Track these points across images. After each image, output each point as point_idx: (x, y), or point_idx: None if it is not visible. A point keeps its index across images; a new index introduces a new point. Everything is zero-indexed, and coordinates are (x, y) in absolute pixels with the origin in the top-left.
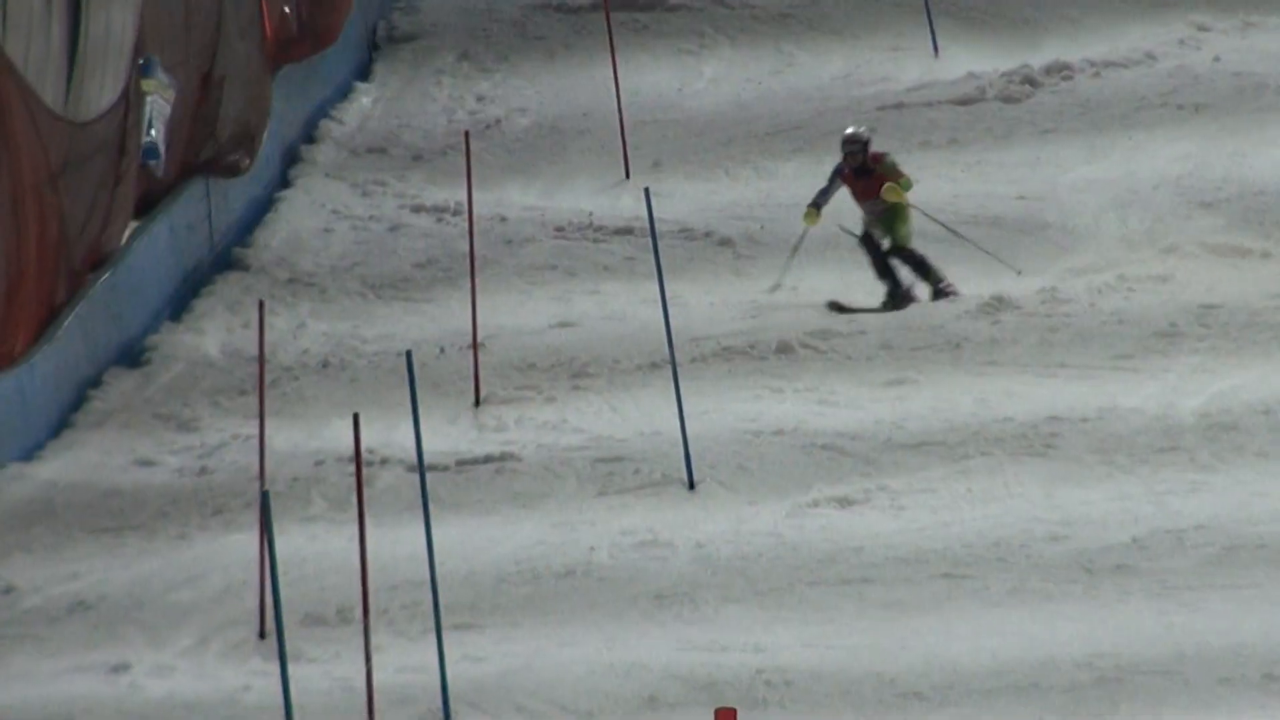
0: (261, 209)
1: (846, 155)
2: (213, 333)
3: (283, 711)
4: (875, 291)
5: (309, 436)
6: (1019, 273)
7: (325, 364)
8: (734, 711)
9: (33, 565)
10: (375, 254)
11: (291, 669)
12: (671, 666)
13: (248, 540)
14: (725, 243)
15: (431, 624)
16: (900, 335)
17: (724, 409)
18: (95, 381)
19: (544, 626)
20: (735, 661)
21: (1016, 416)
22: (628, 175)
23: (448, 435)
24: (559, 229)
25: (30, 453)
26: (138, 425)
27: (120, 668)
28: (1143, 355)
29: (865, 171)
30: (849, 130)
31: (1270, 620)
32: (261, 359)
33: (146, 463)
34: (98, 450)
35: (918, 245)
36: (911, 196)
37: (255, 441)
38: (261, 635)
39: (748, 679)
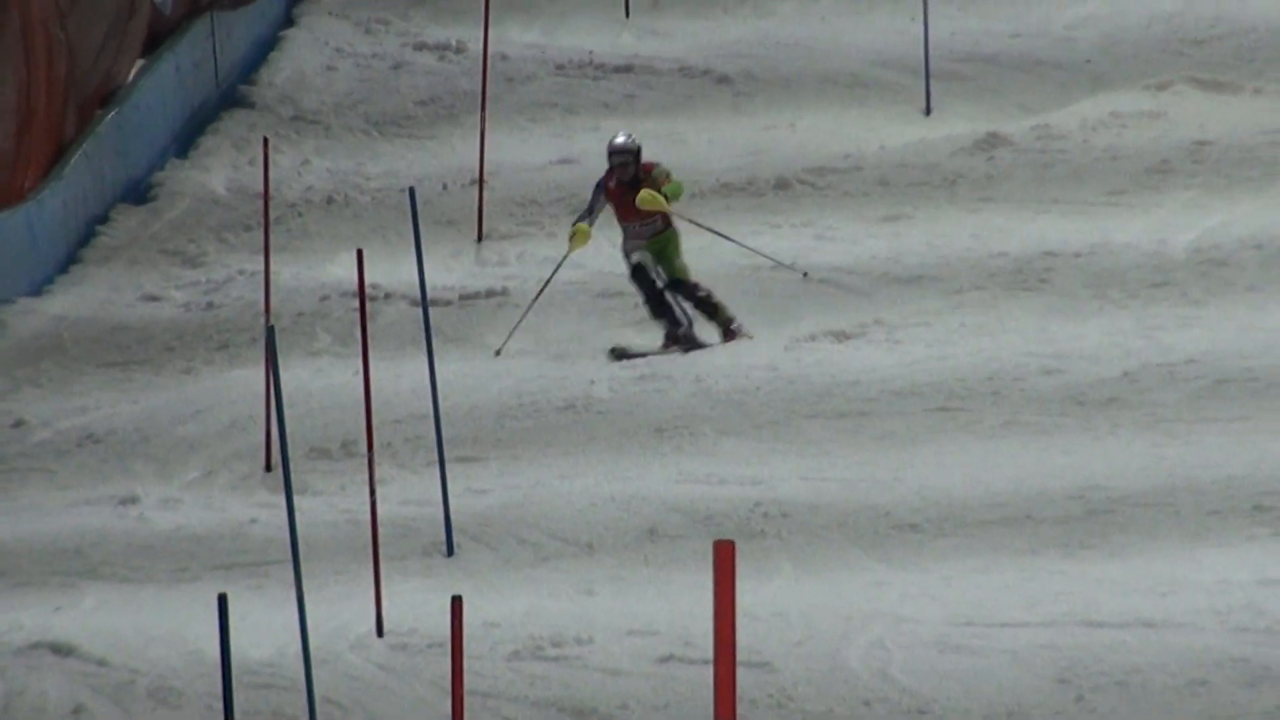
0: (266, 47)
1: (615, 167)
2: (218, 169)
3: (289, 543)
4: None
5: (313, 272)
6: (805, 275)
7: (329, 200)
8: (732, 543)
9: (42, 399)
10: (378, 91)
11: (297, 501)
12: (670, 499)
13: (253, 375)
14: (724, 80)
15: (434, 457)
16: (896, 172)
17: (722, 245)
18: (103, 218)
19: (545, 459)
20: (733, 494)
21: (1010, 251)
22: (628, 14)
23: (450, 270)
24: (559, 66)
25: (39, 288)
26: (145, 261)
27: (128, 500)
28: (1135, 191)
29: (634, 184)
30: (618, 139)
31: (1260, 452)
32: (266, 195)
33: (153, 298)
34: (105, 286)
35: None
36: (681, 207)
37: (260, 277)
38: (268, 468)
39: (745, 511)
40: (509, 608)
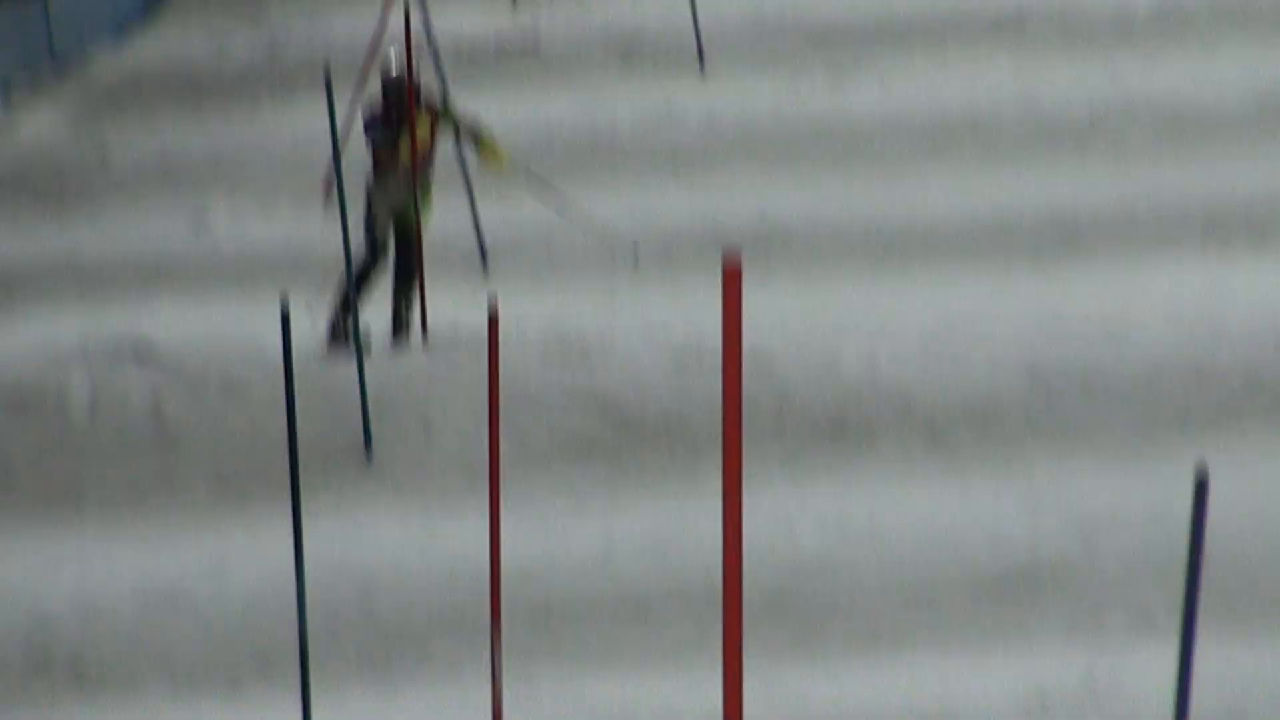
0: None
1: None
2: None
3: (343, 258)
4: None
5: (366, 23)
6: (635, 256)
7: None
8: (739, 257)
9: (123, 132)
10: None
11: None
12: (685, 223)
13: (310, 111)
14: None
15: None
16: None
17: None
18: None
19: (574, 185)
20: (741, 218)
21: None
22: None
23: (486, 22)
24: None
25: (120, 31)
26: (215, 8)
27: (201, 221)
28: None
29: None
30: (391, 67)
31: (1209, 181)
32: None
33: (223, 43)
34: (180, 29)
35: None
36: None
37: (319, 25)
38: (326, 195)
39: (752, 233)
40: (540, 310)
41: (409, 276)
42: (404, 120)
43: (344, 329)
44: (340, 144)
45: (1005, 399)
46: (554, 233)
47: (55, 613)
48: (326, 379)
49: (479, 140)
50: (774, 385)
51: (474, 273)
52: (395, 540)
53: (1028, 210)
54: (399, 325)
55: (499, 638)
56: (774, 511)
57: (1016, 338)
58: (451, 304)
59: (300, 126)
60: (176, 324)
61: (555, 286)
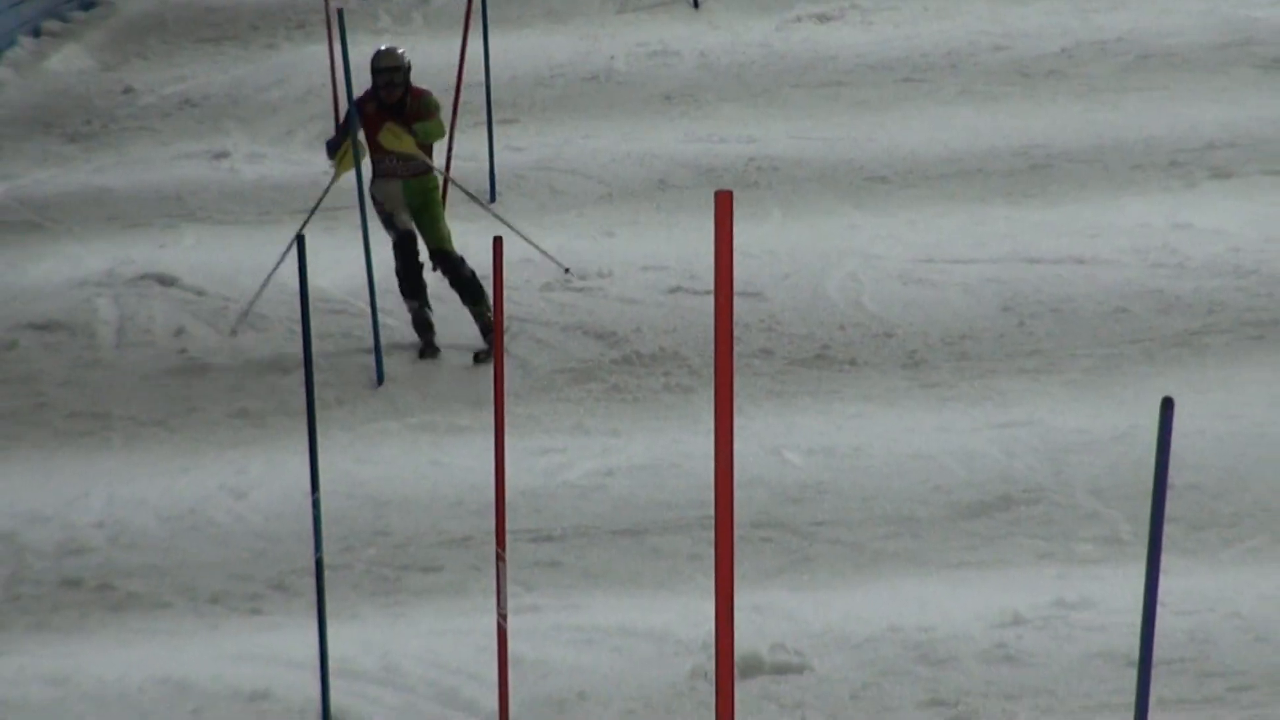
0: None
1: (382, 86)
2: None
3: (356, 191)
4: None
5: None
6: (567, 271)
7: None
8: (730, 192)
9: (147, 69)
10: None
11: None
12: (678, 155)
13: (325, 50)
14: None
15: (481, 119)
16: None
17: None
18: None
19: (572, 122)
20: (731, 151)
21: None
22: None
23: None
24: None
25: None
26: None
27: (221, 155)
28: None
29: (399, 110)
30: (383, 48)
31: (1175, 117)
32: None
33: None
34: None
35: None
36: (439, 149)
37: None
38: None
39: (741, 165)
40: (542, 246)
41: (464, 285)
42: (399, 112)
43: (425, 320)
44: (351, 93)
45: (981, 329)
46: (556, 173)
47: (84, 533)
48: (340, 308)
49: (428, 118)
50: (762, 315)
51: (480, 211)
52: (405, 465)
53: (1002, 145)
54: (487, 334)
55: (503, 558)
56: (763, 438)
57: (991, 270)
58: (460, 239)
59: (315, 63)
60: (198, 256)
61: (557, 222)
